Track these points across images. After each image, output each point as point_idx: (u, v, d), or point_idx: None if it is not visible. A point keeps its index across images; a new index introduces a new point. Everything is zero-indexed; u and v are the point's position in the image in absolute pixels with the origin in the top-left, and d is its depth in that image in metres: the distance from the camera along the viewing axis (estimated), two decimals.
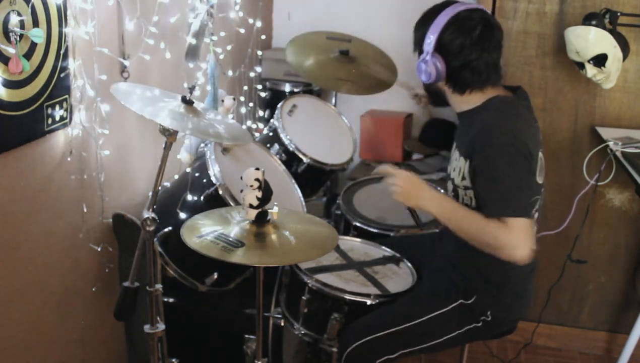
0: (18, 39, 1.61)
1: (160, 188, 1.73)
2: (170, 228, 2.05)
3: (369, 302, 1.92)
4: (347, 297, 1.91)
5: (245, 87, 3.14)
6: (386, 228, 2.38)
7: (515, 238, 1.72)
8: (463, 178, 1.87)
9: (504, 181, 1.75)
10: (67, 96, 1.86)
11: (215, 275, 2.10)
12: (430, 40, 1.85)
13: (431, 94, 2.06)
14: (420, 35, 1.90)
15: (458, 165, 1.89)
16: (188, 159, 2.30)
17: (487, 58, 1.85)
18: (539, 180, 1.84)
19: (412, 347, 1.90)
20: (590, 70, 2.43)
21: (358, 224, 2.44)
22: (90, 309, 2.13)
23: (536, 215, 1.89)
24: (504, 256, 1.74)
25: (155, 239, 1.76)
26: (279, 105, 2.65)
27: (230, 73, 2.92)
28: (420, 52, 1.91)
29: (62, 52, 1.80)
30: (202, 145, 2.25)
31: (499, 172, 1.75)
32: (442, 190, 2.56)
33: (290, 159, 2.52)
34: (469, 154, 1.84)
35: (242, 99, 3.11)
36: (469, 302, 1.90)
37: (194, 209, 2.00)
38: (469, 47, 1.83)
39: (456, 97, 1.93)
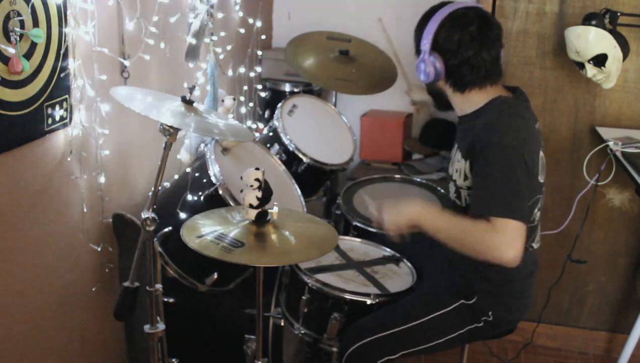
0: (18, 39, 1.61)
1: (160, 188, 1.73)
2: (170, 228, 2.05)
3: (369, 301, 1.92)
4: (347, 296, 1.91)
5: (245, 87, 3.14)
6: None
7: (502, 240, 1.68)
8: (465, 178, 1.87)
9: (497, 182, 1.73)
10: (67, 96, 1.86)
11: (215, 275, 2.10)
12: (427, 39, 1.86)
13: (435, 97, 2.05)
14: (418, 36, 1.92)
15: (460, 166, 1.89)
16: (188, 159, 2.30)
17: (485, 54, 1.85)
18: (540, 179, 1.84)
19: (413, 348, 1.90)
20: (590, 70, 2.43)
21: (358, 224, 2.44)
22: (90, 309, 2.13)
23: (538, 214, 1.90)
24: (490, 258, 1.70)
25: (155, 239, 1.76)
26: (279, 105, 2.65)
27: (230, 73, 2.92)
28: (420, 53, 1.92)
29: (62, 52, 1.80)
30: (202, 145, 2.25)
31: (494, 172, 1.74)
32: (442, 190, 2.56)
33: (290, 159, 2.52)
34: (469, 155, 1.84)
35: (242, 99, 3.11)
36: (470, 302, 1.90)
37: (194, 209, 2.00)
38: (466, 43, 1.84)
39: (457, 97, 1.93)
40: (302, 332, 1.98)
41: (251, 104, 3.22)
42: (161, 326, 1.79)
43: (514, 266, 1.70)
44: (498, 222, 1.69)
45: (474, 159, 1.81)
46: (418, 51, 1.93)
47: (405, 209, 1.84)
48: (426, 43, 1.86)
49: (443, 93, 1.97)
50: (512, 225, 1.69)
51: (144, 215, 1.69)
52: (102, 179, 2.05)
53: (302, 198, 2.36)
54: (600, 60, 2.39)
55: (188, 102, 1.78)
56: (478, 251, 1.72)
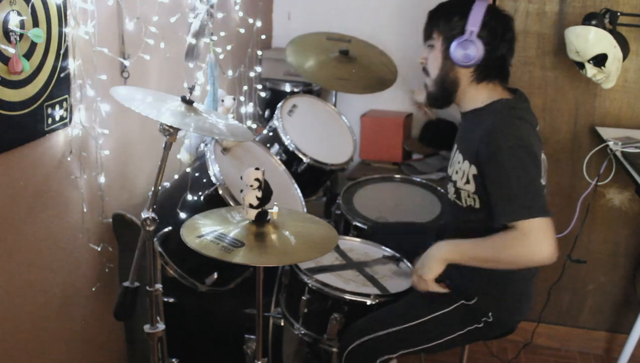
0: (18, 39, 1.61)
1: (160, 188, 1.73)
2: (170, 228, 2.05)
3: (369, 302, 1.92)
4: (347, 297, 1.91)
5: (245, 87, 3.14)
6: None
7: (533, 242, 1.70)
8: (467, 181, 1.87)
9: (512, 186, 1.74)
10: (67, 96, 1.86)
11: (215, 275, 2.10)
12: (476, 23, 1.84)
13: (443, 89, 1.99)
14: (457, 17, 1.87)
15: (461, 168, 1.89)
16: (188, 159, 2.30)
17: (511, 55, 1.92)
18: (543, 181, 1.84)
19: (413, 347, 1.90)
20: (590, 70, 2.43)
21: (358, 224, 2.44)
22: (90, 309, 2.13)
23: None
24: (530, 263, 1.74)
25: (155, 239, 1.76)
26: (279, 105, 2.65)
27: (230, 73, 2.92)
28: (449, 37, 1.88)
29: (62, 52, 1.80)
30: (202, 145, 2.25)
31: (510, 176, 1.75)
32: (442, 190, 2.56)
33: (290, 159, 2.52)
34: (474, 159, 1.84)
35: (242, 99, 3.11)
36: (471, 302, 1.90)
37: (194, 209, 2.00)
38: (507, 40, 1.89)
39: (471, 88, 1.92)
40: (302, 332, 1.98)
41: (251, 104, 3.22)
42: (161, 326, 1.79)
43: (554, 261, 1.72)
44: (524, 225, 1.71)
45: (482, 167, 1.81)
46: (461, 31, 1.86)
47: (435, 261, 1.86)
48: (474, 26, 1.84)
49: (454, 84, 1.93)
50: (538, 223, 1.71)
51: (144, 215, 1.69)
52: (102, 179, 2.06)
53: (302, 199, 2.36)
54: (600, 60, 2.39)
55: (188, 102, 1.78)
56: (516, 262, 1.75)
